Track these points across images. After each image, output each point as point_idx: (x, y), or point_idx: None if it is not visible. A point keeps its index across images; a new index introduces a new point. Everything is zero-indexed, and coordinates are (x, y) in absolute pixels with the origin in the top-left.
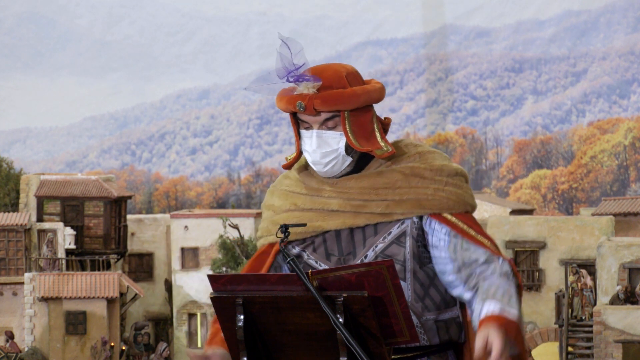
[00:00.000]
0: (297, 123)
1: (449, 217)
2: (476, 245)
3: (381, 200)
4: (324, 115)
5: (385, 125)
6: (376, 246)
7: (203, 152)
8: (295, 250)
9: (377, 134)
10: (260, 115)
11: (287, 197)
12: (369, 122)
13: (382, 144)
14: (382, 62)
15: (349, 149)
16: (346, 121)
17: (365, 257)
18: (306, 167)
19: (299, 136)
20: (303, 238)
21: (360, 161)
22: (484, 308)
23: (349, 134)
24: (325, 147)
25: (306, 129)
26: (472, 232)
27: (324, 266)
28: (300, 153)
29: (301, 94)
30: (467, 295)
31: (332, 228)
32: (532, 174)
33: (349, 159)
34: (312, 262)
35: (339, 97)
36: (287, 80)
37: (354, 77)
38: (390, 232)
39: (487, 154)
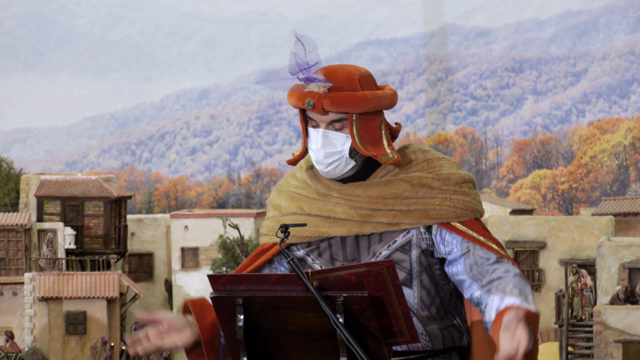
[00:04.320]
0: (306, 120)
1: (458, 225)
2: (486, 249)
3: (388, 210)
4: (331, 116)
5: (394, 131)
6: (380, 253)
7: (203, 152)
8: (300, 252)
9: (384, 140)
10: (260, 115)
11: (293, 200)
12: (377, 127)
13: (388, 150)
14: (382, 62)
15: (353, 152)
16: (354, 124)
17: None
18: (312, 167)
19: (306, 133)
20: (308, 242)
21: (366, 167)
22: (503, 301)
23: (356, 137)
24: (329, 148)
25: (314, 127)
26: (482, 239)
27: None
28: (306, 150)
29: (311, 91)
30: (477, 294)
31: (337, 234)
32: (532, 174)
33: (352, 163)
34: (316, 266)
35: (348, 99)
36: (298, 79)
37: (366, 81)
38: (396, 241)
39: (487, 154)
